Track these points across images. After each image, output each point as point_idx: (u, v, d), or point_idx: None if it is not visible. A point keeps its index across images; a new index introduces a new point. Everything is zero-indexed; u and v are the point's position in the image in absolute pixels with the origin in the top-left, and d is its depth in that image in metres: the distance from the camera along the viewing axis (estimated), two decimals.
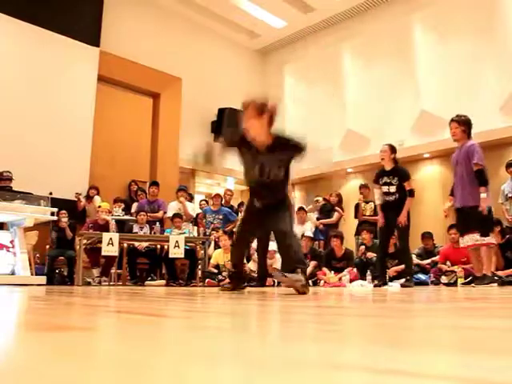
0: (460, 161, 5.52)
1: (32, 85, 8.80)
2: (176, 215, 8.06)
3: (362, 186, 8.71)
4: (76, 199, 8.54)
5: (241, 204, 9.24)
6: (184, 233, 7.83)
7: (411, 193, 6.05)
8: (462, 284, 6.02)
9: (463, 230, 5.59)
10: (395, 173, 6.12)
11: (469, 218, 5.42)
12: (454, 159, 5.67)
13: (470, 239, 5.43)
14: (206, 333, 1.03)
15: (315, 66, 12.06)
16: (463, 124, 5.52)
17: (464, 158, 5.46)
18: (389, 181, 6.13)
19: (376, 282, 6.46)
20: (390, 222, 6.14)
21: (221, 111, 11.61)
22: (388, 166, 6.19)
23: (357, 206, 8.65)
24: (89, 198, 8.71)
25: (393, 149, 6.22)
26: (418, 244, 8.06)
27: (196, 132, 11.52)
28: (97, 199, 8.61)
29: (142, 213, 8.09)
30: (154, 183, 8.95)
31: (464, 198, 5.47)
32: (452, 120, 5.62)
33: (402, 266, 7.24)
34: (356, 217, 8.60)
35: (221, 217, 8.44)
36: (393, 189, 6.07)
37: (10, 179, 7.46)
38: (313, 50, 12.22)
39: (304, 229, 8.57)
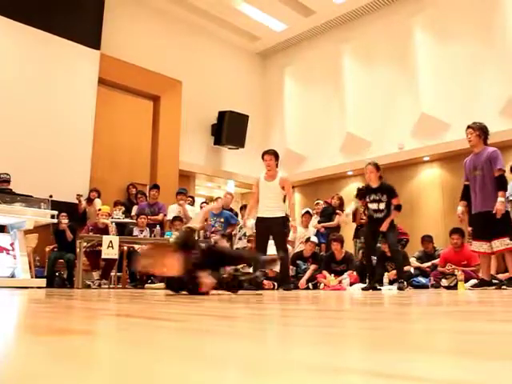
0: (480, 166, 5.58)
1: (32, 87, 8.81)
2: (176, 218, 8.06)
3: (359, 190, 8.67)
4: (77, 201, 8.53)
5: (243, 207, 9.19)
6: None
7: (399, 207, 6.24)
8: (471, 287, 5.98)
9: (489, 234, 5.56)
10: (383, 190, 6.28)
11: (496, 223, 5.43)
12: (470, 164, 5.72)
13: (501, 244, 5.45)
14: (206, 336, 1.03)
15: (315, 69, 12.08)
16: (477, 129, 5.66)
17: (485, 163, 5.53)
18: (378, 198, 6.28)
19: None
20: (375, 234, 6.35)
21: (221, 114, 11.63)
22: (375, 184, 6.34)
23: (355, 210, 8.63)
24: (90, 200, 8.69)
25: (378, 167, 6.40)
26: (418, 247, 8.06)
27: (196, 135, 11.54)
28: (97, 202, 8.59)
29: (143, 216, 8.09)
30: (155, 186, 8.96)
31: (487, 204, 5.50)
32: (468, 127, 5.77)
33: (405, 268, 7.27)
34: (354, 221, 8.58)
35: (222, 220, 8.44)
36: (382, 206, 6.23)
37: (8, 181, 7.44)
38: (313, 53, 12.24)
39: (308, 233, 8.58)
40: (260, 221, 6.41)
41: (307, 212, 9.06)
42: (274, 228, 6.29)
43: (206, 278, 3.89)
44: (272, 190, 6.39)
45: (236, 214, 9.07)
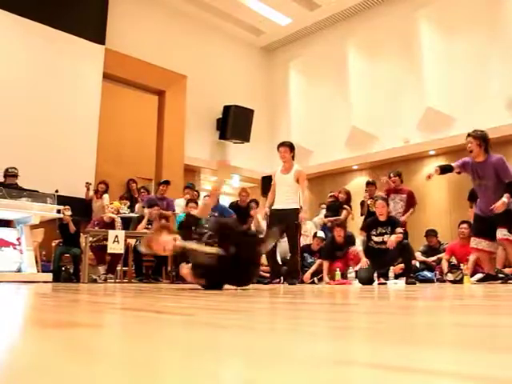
0: (487, 177, 5.52)
1: (37, 83, 8.82)
2: (191, 200, 8.00)
3: (368, 183, 8.65)
4: (85, 188, 8.57)
5: (252, 201, 9.04)
6: None
7: (405, 235, 6.45)
8: (477, 281, 5.96)
9: (489, 235, 5.58)
10: (389, 223, 6.36)
11: (498, 218, 5.43)
12: (474, 172, 5.64)
13: (500, 232, 5.44)
14: (212, 330, 1.04)
15: (320, 63, 12.04)
16: (478, 138, 5.55)
17: (491, 172, 5.47)
18: (384, 231, 6.35)
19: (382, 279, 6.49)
20: (377, 263, 6.33)
21: (226, 108, 11.61)
22: (384, 218, 6.39)
23: (362, 204, 8.62)
24: (97, 192, 8.71)
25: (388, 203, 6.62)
26: (423, 241, 8.04)
27: (201, 129, 11.54)
28: (105, 197, 8.63)
29: (156, 207, 8.00)
30: (166, 182, 8.96)
31: (491, 208, 5.48)
32: (468, 134, 5.69)
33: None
34: (362, 214, 8.56)
35: (216, 214, 8.40)
36: (386, 238, 6.29)
37: (16, 175, 7.44)
38: (318, 47, 12.19)
39: (310, 227, 8.59)
40: (274, 212, 6.37)
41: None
42: (288, 219, 6.23)
43: None
44: (287, 183, 6.37)
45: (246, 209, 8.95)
